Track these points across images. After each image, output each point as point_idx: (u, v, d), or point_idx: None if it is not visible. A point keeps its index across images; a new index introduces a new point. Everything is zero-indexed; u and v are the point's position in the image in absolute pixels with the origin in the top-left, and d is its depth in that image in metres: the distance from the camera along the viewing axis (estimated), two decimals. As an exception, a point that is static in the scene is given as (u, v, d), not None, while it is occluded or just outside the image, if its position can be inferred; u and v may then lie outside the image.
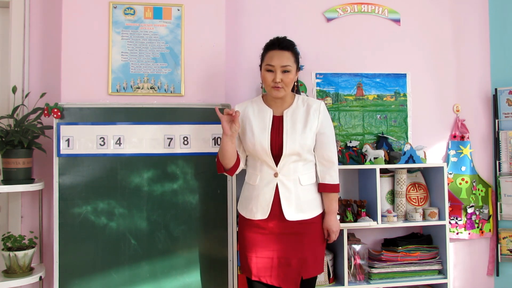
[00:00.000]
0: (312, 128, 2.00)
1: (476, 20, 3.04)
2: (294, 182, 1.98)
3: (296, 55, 2.03)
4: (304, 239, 1.98)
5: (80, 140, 2.31)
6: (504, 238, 2.89)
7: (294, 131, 1.99)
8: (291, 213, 1.97)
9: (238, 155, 2.07)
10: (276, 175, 1.98)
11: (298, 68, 2.07)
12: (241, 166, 2.10)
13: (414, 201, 2.78)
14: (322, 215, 2.08)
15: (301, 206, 1.98)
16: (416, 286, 2.70)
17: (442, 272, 2.68)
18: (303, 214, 1.98)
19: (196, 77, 2.49)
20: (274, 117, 2.04)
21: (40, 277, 2.26)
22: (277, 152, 1.98)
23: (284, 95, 2.01)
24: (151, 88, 2.44)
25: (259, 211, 1.98)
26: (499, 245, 2.90)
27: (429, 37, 2.97)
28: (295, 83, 2.13)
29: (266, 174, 2.00)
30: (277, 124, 2.02)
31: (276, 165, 1.98)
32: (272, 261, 1.98)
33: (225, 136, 1.96)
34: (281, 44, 2.01)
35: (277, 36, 2.07)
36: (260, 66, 2.07)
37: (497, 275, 2.92)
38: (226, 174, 2.13)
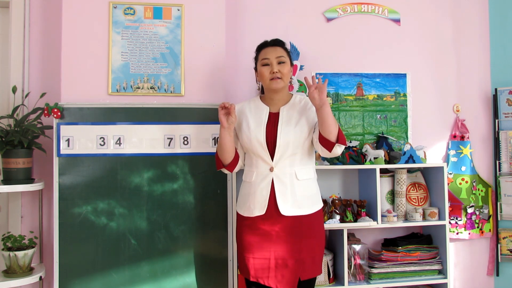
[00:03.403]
0: (308, 119, 2.02)
1: (476, 20, 3.04)
2: (290, 177, 1.98)
3: (287, 51, 2.10)
4: (302, 240, 1.98)
5: (80, 140, 2.31)
6: (504, 238, 2.89)
7: (289, 124, 2.01)
8: (287, 208, 1.96)
9: (237, 152, 2.09)
10: (271, 169, 1.99)
11: (292, 64, 2.11)
12: (240, 163, 2.12)
13: (414, 201, 2.78)
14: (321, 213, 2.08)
15: (298, 201, 1.98)
16: (416, 286, 2.70)
17: (442, 272, 2.68)
18: (299, 209, 1.98)
19: (196, 77, 2.49)
20: (270, 113, 2.07)
21: (40, 277, 2.26)
22: (272, 147, 1.99)
23: (282, 86, 2.04)
24: (151, 88, 2.45)
25: (257, 207, 1.99)
26: (499, 245, 2.90)
27: (429, 37, 2.97)
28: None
29: (262, 169, 2.00)
30: (273, 119, 2.04)
31: (272, 160, 1.99)
32: (269, 262, 1.98)
33: (222, 129, 2.00)
34: (272, 41, 2.10)
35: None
36: (255, 68, 2.13)
37: (497, 275, 2.92)
38: (226, 172, 2.13)
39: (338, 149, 1.96)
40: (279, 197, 1.96)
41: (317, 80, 1.93)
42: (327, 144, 1.94)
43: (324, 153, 1.98)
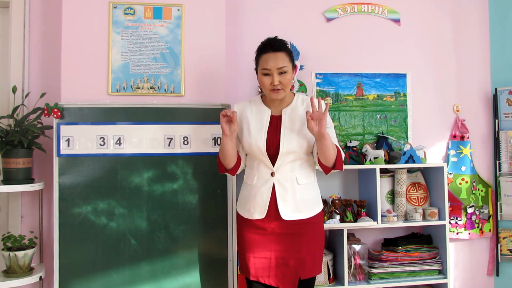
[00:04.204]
0: None
1: (476, 20, 3.04)
2: (291, 182, 1.98)
3: (290, 53, 2.01)
4: (302, 239, 1.98)
5: (80, 140, 2.31)
6: (504, 238, 2.89)
7: (292, 130, 1.98)
8: (288, 212, 1.96)
9: (239, 154, 2.07)
10: (273, 174, 1.98)
11: (294, 66, 2.06)
12: (242, 165, 2.11)
13: (414, 201, 2.78)
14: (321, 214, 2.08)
15: (298, 205, 1.97)
16: (416, 286, 2.70)
17: (442, 272, 2.68)
18: (300, 213, 1.97)
19: (196, 77, 2.49)
20: (272, 116, 2.03)
21: (40, 277, 2.26)
22: (274, 152, 1.97)
23: (283, 96, 2.01)
24: (151, 88, 2.45)
25: (257, 211, 1.98)
26: (499, 245, 2.90)
27: (429, 37, 2.97)
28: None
29: (263, 173, 1.99)
30: (275, 124, 2.01)
31: (273, 165, 1.98)
32: (270, 261, 1.98)
33: (224, 137, 1.96)
34: (273, 45, 1.98)
35: (268, 37, 2.04)
36: (256, 70, 2.05)
37: (497, 275, 2.92)
38: (228, 174, 2.13)
39: (335, 171, 1.99)
40: (280, 202, 1.96)
41: (316, 101, 1.87)
42: (324, 168, 1.98)
43: (322, 171, 2.01)
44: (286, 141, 1.96)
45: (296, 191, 1.98)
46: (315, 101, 1.88)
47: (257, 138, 1.98)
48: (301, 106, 2.04)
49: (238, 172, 2.12)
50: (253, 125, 2.02)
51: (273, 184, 1.97)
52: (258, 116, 2.04)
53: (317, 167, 2.02)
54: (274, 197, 1.96)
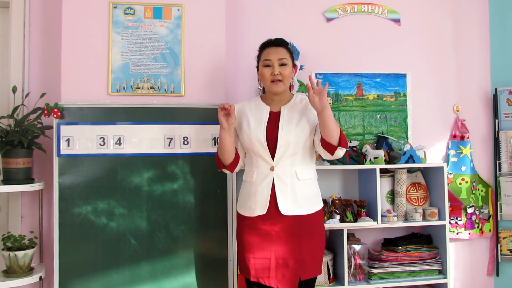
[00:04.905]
0: (309, 119, 2.02)
1: (476, 20, 3.04)
2: (290, 176, 1.98)
3: (290, 52, 2.09)
4: (303, 240, 1.98)
5: (80, 140, 2.32)
6: (504, 238, 2.89)
7: (290, 123, 2.01)
8: (287, 207, 1.96)
9: (237, 152, 2.09)
10: (272, 169, 1.99)
11: (294, 65, 2.11)
12: (241, 163, 2.12)
13: (414, 201, 2.78)
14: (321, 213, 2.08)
15: (298, 201, 1.98)
16: (416, 286, 2.70)
17: (442, 272, 2.68)
18: (299, 209, 1.98)
19: (196, 77, 2.49)
20: (271, 112, 2.07)
21: (40, 277, 2.26)
22: (273, 146, 1.99)
23: (283, 89, 2.04)
24: (151, 88, 2.45)
25: (258, 207, 1.98)
26: (499, 245, 2.90)
27: (429, 37, 2.97)
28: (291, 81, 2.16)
29: (263, 168, 2.00)
30: (274, 119, 2.04)
31: (273, 159, 1.99)
32: (270, 262, 1.98)
33: (222, 130, 1.99)
34: (275, 41, 2.08)
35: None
36: (257, 67, 2.12)
37: (497, 275, 2.92)
38: (227, 172, 2.13)
39: (340, 152, 1.97)
40: (280, 197, 1.96)
41: (316, 82, 1.92)
42: (329, 148, 1.95)
43: (327, 156, 1.99)
44: (285, 133, 1.98)
45: (296, 186, 1.98)
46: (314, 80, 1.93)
47: (257, 132, 2.00)
48: (299, 104, 2.07)
49: (237, 170, 2.13)
50: (252, 121, 2.05)
51: (273, 180, 1.97)
52: (258, 112, 2.08)
53: (319, 167, 2.02)
54: (274, 192, 1.97)
